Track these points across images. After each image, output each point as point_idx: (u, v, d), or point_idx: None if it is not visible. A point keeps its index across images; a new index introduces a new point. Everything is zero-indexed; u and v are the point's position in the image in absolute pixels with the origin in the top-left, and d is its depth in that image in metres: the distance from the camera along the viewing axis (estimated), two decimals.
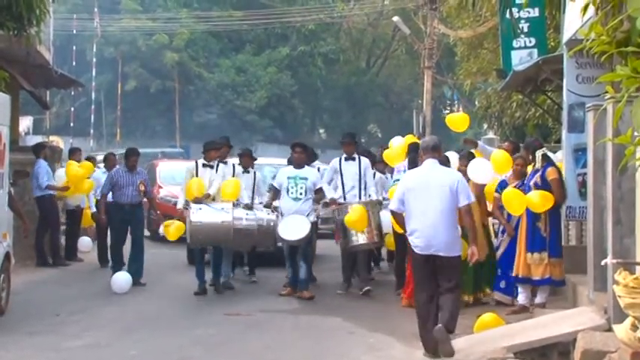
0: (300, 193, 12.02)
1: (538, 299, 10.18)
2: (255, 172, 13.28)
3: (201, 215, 11.70)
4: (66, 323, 10.13)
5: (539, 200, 9.87)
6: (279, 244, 12.26)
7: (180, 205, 12.57)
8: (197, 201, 11.95)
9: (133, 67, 44.64)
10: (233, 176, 12.63)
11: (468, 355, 8.20)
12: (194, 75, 45.35)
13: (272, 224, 12.13)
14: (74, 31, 41.76)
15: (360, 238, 12.02)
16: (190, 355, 8.45)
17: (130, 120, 44.78)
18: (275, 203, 12.44)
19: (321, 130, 53.82)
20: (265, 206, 12.41)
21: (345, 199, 12.45)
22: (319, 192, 12.42)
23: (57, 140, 31.26)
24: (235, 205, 12.17)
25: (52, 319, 10.40)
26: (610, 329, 6.80)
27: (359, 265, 12.60)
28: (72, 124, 41.87)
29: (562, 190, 10.05)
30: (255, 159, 13.90)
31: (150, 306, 11.28)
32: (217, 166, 12.49)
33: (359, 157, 12.73)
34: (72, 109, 42.72)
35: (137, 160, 13.54)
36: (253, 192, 13.00)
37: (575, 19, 9.45)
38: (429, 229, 8.31)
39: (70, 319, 10.42)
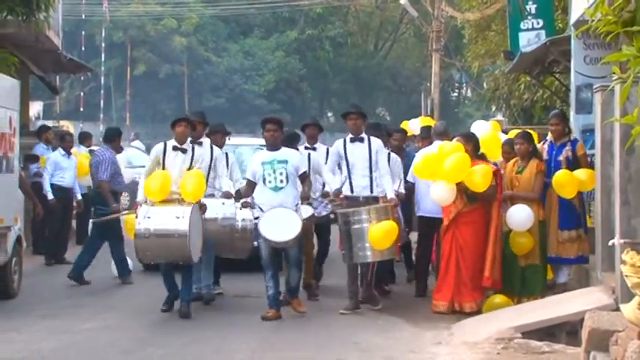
0: (281, 181, 9.47)
1: (562, 279, 10.00)
2: (227, 154, 10.86)
3: (150, 223, 9.13)
4: (77, 306, 10.20)
5: (588, 178, 9.51)
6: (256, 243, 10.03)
7: (140, 198, 9.65)
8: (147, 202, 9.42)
9: (142, 51, 44.63)
10: (211, 161, 10.15)
11: (476, 335, 8.23)
12: (203, 59, 45.33)
13: (249, 225, 9.98)
14: (83, 16, 41.71)
15: (369, 255, 9.58)
16: (201, 337, 8.50)
17: (139, 105, 44.80)
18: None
19: (330, 114, 53.69)
20: (242, 205, 9.75)
21: (352, 191, 10.03)
22: (305, 179, 9.74)
23: (67, 125, 31.26)
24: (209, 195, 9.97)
25: (64, 301, 10.49)
26: (617, 309, 6.80)
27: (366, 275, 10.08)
28: (82, 109, 41.88)
29: None
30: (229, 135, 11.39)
31: (160, 290, 11.29)
32: (193, 149, 9.78)
33: (368, 138, 10.12)
34: (81, 93, 42.72)
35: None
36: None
37: (582, 0, 9.41)
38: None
39: (81, 301, 10.49)
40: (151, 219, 9.12)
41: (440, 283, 9.88)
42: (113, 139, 12.19)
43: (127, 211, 11.44)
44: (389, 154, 10.64)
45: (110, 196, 11.62)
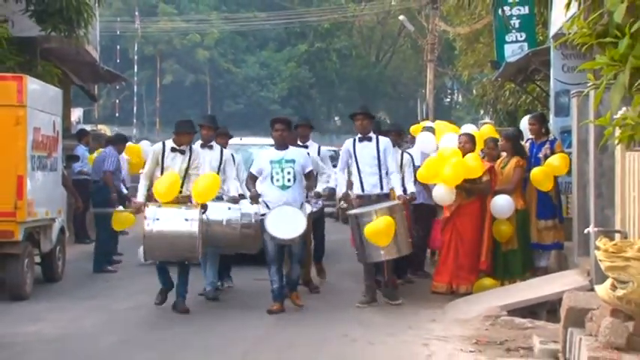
0: (288, 180, 8.84)
1: (543, 263, 9.90)
2: (232, 155, 9.96)
3: (159, 225, 8.38)
4: (113, 288, 10.24)
5: (561, 163, 9.44)
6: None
7: (141, 198, 8.80)
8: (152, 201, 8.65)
9: (170, 63, 44.82)
10: (220, 164, 9.55)
11: (467, 313, 8.24)
12: (223, 70, 45.46)
13: (256, 223, 9.12)
14: (118, 32, 41.83)
15: (381, 254, 8.86)
16: (224, 316, 8.55)
17: (167, 110, 44.94)
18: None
19: (336, 118, 53.76)
20: (252, 198, 8.91)
21: (363, 190, 9.24)
22: (310, 177, 9.15)
23: (104, 129, 31.31)
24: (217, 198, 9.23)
25: (102, 284, 10.54)
26: (592, 289, 6.78)
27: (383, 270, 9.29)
28: (117, 115, 42.07)
29: None
30: (231, 136, 10.68)
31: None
32: (190, 150, 8.91)
33: (377, 137, 9.33)
34: (117, 101, 42.93)
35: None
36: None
37: (560, 15, 9.40)
38: None
39: (117, 284, 10.53)
40: (160, 221, 8.38)
41: (440, 267, 9.88)
42: (118, 142, 12.81)
43: (120, 208, 10.95)
44: (402, 153, 9.85)
45: (113, 185, 11.87)
